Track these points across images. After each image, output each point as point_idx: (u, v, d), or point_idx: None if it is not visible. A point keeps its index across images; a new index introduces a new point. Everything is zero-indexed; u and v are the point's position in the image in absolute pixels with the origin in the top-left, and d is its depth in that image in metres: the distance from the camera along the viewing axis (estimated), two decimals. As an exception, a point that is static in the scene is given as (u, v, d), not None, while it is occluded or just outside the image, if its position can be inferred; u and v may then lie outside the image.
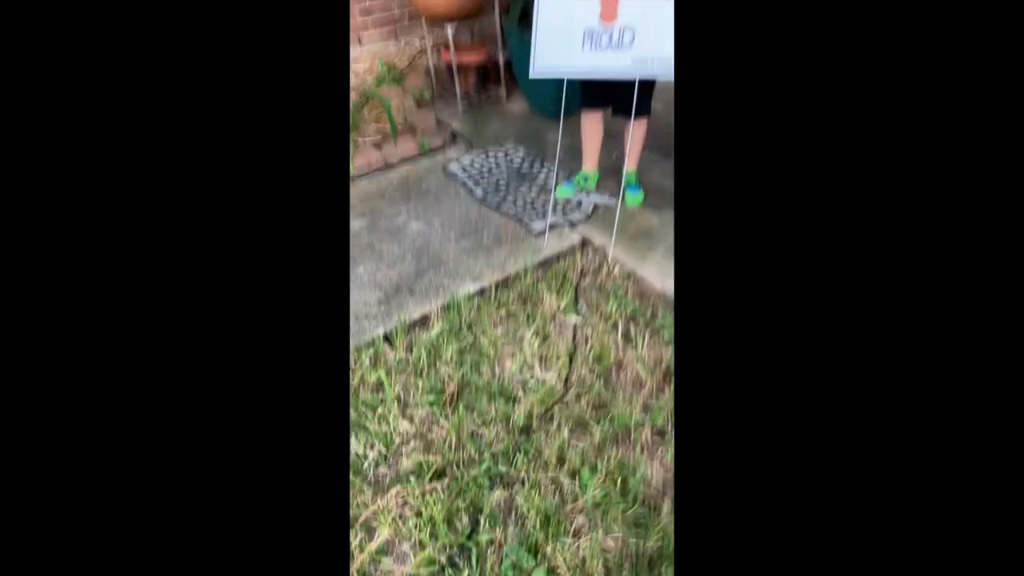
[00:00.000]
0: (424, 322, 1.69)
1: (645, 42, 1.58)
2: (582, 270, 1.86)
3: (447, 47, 2.69)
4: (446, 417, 1.37)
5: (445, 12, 2.53)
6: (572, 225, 2.04)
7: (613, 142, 2.22)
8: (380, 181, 2.33)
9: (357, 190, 2.27)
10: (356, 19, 3.28)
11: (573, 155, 2.25)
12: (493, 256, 1.91)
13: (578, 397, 1.41)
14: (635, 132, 2.01)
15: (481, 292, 1.78)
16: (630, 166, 2.12)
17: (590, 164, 2.17)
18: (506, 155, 2.47)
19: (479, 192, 2.22)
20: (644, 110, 1.88)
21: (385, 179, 2.34)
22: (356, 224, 2.08)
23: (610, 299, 1.71)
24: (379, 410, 1.39)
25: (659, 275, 1.80)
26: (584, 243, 1.98)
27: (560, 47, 1.67)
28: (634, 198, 2.11)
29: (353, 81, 3.01)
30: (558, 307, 1.70)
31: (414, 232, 2.03)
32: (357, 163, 2.34)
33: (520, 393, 1.42)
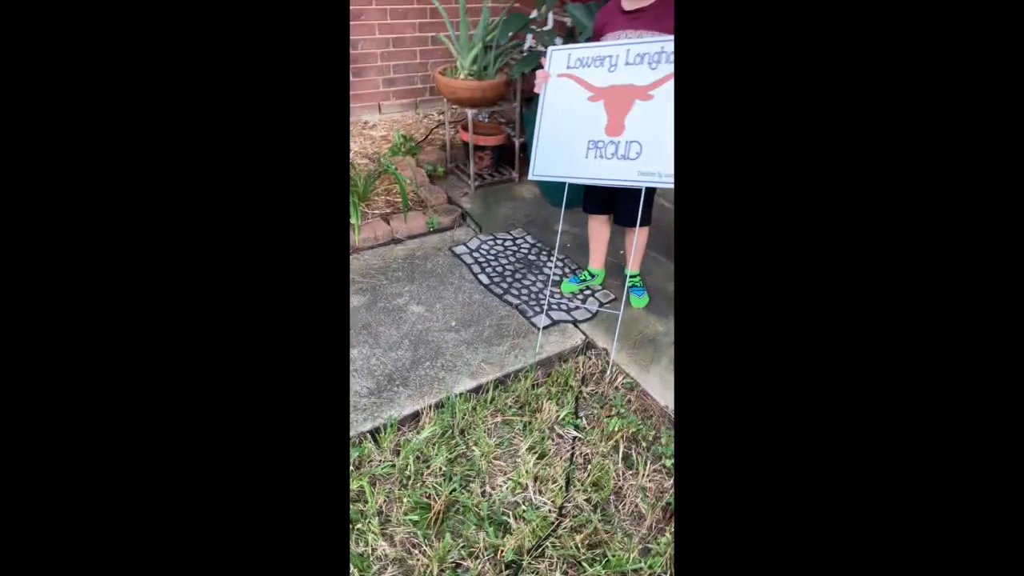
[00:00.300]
0: (415, 419, 1.61)
1: (652, 156, 1.55)
2: (584, 377, 1.80)
3: (465, 127, 2.73)
4: (429, 543, 1.26)
5: (468, 99, 2.58)
6: (576, 324, 1.99)
7: (622, 240, 2.22)
8: (385, 256, 2.29)
9: (361, 264, 2.23)
10: (378, 88, 3.36)
11: (582, 248, 2.24)
12: (493, 350, 1.84)
13: (572, 531, 1.31)
14: (632, 240, 2.00)
15: (478, 390, 1.70)
16: (633, 268, 2.10)
17: (596, 263, 2.15)
18: (514, 241, 2.45)
19: (484, 278, 2.19)
20: (645, 220, 1.86)
21: (390, 254, 2.31)
22: (356, 300, 2.02)
23: (612, 414, 1.64)
24: (359, 524, 1.29)
25: (662, 389, 1.74)
26: (587, 345, 1.93)
27: (563, 152, 1.66)
28: (638, 300, 2.08)
29: (369, 148, 3.04)
30: (557, 417, 1.63)
31: (414, 316, 1.98)
32: (363, 235, 2.31)
33: (511, 520, 1.33)
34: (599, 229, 2.07)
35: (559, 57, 1.64)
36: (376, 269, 2.20)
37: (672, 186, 1.53)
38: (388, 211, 2.49)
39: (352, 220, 2.28)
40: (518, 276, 2.23)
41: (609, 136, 1.57)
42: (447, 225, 2.51)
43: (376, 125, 3.33)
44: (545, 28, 2.48)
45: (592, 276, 2.17)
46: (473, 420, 1.59)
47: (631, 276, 2.11)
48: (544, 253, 2.38)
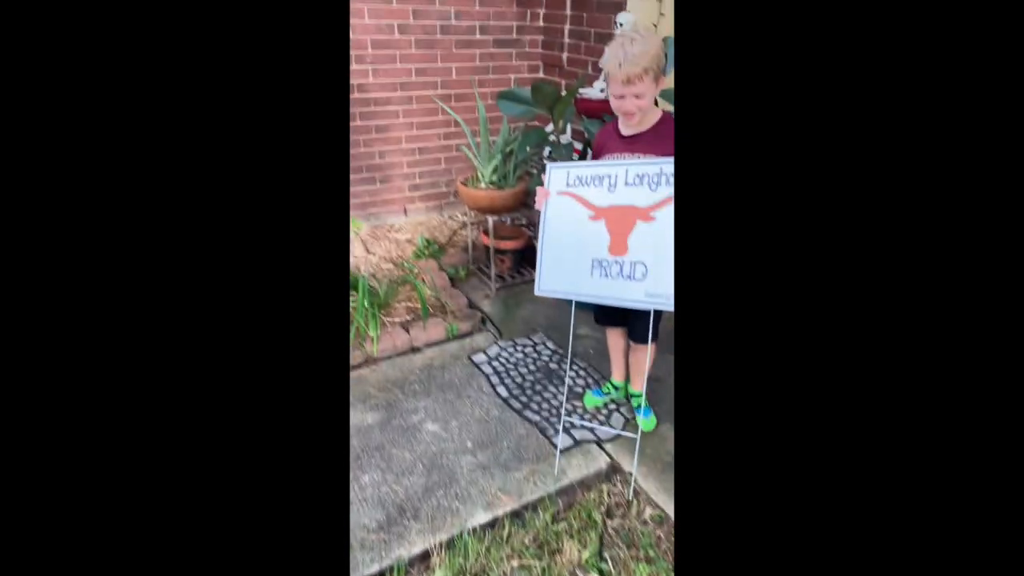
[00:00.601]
0: (425, 560, 1.48)
1: (658, 278, 1.48)
2: (608, 509, 1.66)
3: (486, 232, 2.77)
4: None
5: (489, 207, 2.63)
6: (600, 444, 1.88)
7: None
8: (403, 367, 2.25)
9: (378, 376, 2.19)
10: (404, 192, 3.48)
11: (606, 355, 2.16)
12: (510, 476, 1.73)
13: None
14: (639, 356, 1.91)
15: (493, 524, 1.58)
16: (636, 387, 1.98)
17: (618, 374, 2.05)
18: (534, 347, 2.39)
19: (503, 391, 2.11)
20: (653, 336, 1.77)
21: (408, 365, 2.27)
22: (370, 418, 1.96)
23: (640, 556, 1.49)
24: None
25: (696, 523, 1.58)
26: (612, 469, 1.80)
27: (568, 269, 1.61)
28: (647, 423, 1.93)
29: (393, 251, 3.10)
30: (579, 559, 1.48)
31: (429, 435, 1.90)
32: (382, 345, 2.29)
33: None
34: (617, 340, 2.00)
35: (558, 175, 1.63)
36: (393, 382, 2.16)
37: None
38: (408, 318, 2.49)
39: (371, 331, 2.27)
40: (538, 388, 2.14)
41: (613, 256, 1.53)
42: (466, 331, 2.48)
43: (401, 228, 3.42)
44: (563, 142, 2.55)
45: (616, 388, 2.06)
46: (487, 563, 1.46)
47: (634, 396, 2.00)
48: (566, 360, 2.31)
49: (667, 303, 1.46)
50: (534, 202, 1.69)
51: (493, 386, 2.14)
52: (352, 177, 3.24)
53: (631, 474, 1.75)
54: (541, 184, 1.66)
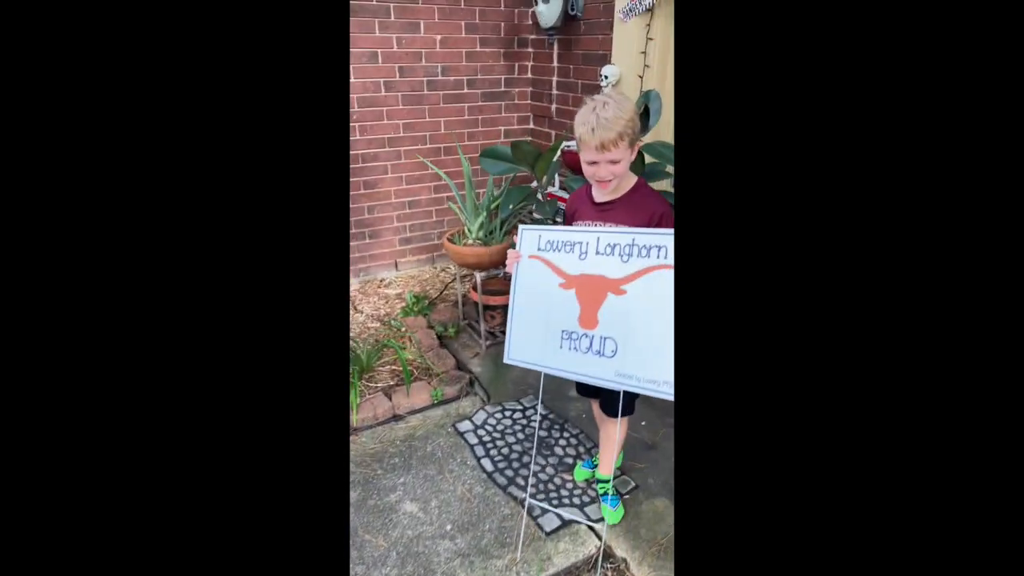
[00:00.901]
0: (393, 672, 1.34)
1: (629, 357, 1.34)
2: (598, 605, 1.51)
3: (475, 288, 2.69)
4: None
5: (476, 264, 2.56)
6: (591, 524, 1.73)
7: (637, 417, 2.00)
8: (383, 437, 2.14)
9: (356, 448, 2.07)
10: (395, 246, 3.43)
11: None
12: (491, 565, 1.59)
13: None
14: (607, 431, 1.73)
15: (470, 625, 1.43)
16: (604, 471, 1.78)
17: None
18: (524, 412, 2.27)
19: (488, 464, 1.98)
20: (626, 410, 1.63)
21: (389, 435, 2.15)
22: (344, 498, 1.83)
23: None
24: None
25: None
26: (604, 555, 1.65)
27: (537, 339, 1.50)
28: (612, 513, 1.72)
29: (381, 308, 3.02)
30: (563, 671, 1.33)
31: (406, 517, 1.76)
32: (363, 414, 2.18)
33: None
34: (603, 425, 1.83)
35: (530, 237, 1.53)
36: (372, 455, 2.04)
37: (658, 394, 1.30)
38: (392, 383, 2.38)
39: (351, 398, 2.16)
40: (526, 460, 2.01)
41: (583, 328, 1.41)
42: (452, 396, 2.37)
43: (392, 283, 3.35)
44: (548, 199, 2.49)
45: None
46: (460, 677, 1.31)
47: (600, 481, 1.81)
48: (557, 427, 2.18)
49: (639, 386, 1.33)
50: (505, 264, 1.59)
51: (478, 458, 2.01)
52: (341, 233, 3.20)
53: (625, 560, 1.60)
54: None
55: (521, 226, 1.56)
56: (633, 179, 1.48)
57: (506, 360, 1.56)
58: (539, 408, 2.24)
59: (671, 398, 1.26)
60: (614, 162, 1.37)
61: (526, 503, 1.77)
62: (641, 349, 1.32)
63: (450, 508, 1.80)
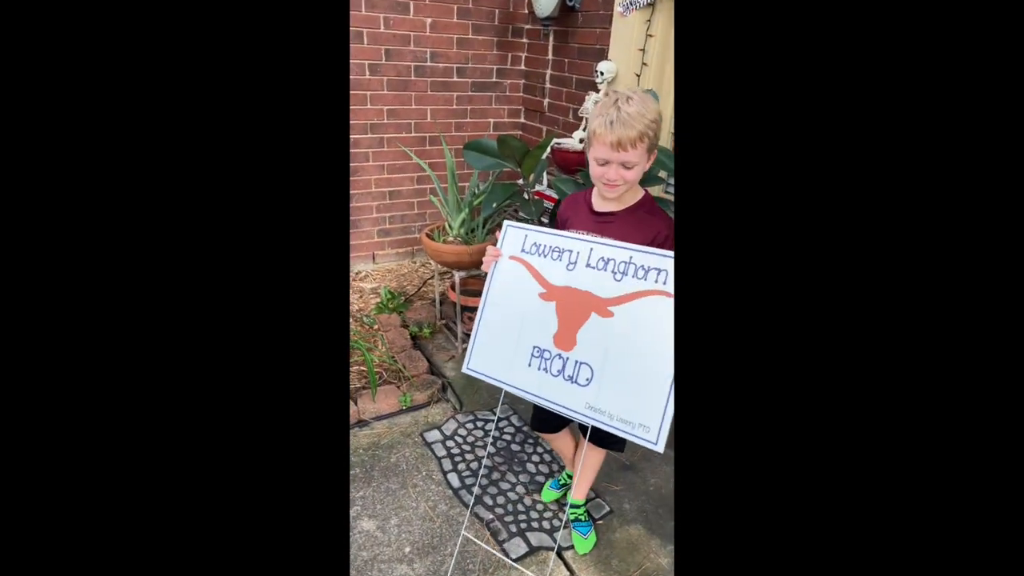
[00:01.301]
0: None
1: (604, 391, 1.18)
2: (562, 645, 1.40)
3: (454, 288, 2.56)
4: None
5: (455, 262, 2.42)
6: (560, 552, 1.62)
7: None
8: (345, 445, 2.00)
9: (315, 456, 1.93)
10: (373, 238, 3.28)
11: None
12: (451, 594, 1.47)
13: None
14: (591, 458, 1.59)
15: (423, 663, 1.32)
16: (577, 495, 1.66)
17: (572, 465, 1.76)
18: (497, 424, 2.15)
19: (455, 479, 1.86)
20: (618, 447, 1.53)
21: (352, 442, 2.02)
22: (297, 512, 1.70)
23: None
24: None
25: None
26: (571, 587, 1.54)
27: (504, 351, 1.33)
28: (582, 542, 1.62)
29: (356, 303, 2.87)
30: None
31: (363, 535, 1.64)
32: (325, 418, 2.04)
33: None
34: (562, 443, 1.66)
35: (514, 236, 1.36)
36: (331, 464, 1.90)
37: (632, 438, 1.14)
38: (359, 386, 2.25)
39: (311, 404, 2.02)
40: (495, 476, 1.89)
41: (557, 348, 1.25)
42: (422, 402, 2.24)
43: (368, 276, 3.21)
44: (534, 199, 2.36)
45: (571, 477, 1.78)
46: None
47: (573, 506, 1.67)
48: (531, 441, 2.06)
49: (610, 424, 1.17)
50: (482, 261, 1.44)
51: (444, 473, 1.89)
52: (316, 221, 3.04)
53: (593, 594, 1.49)
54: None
55: (507, 222, 1.40)
56: (640, 193, 1.33)
57: (464, 369, 1.39)
58: (497, 415, 2.12)
59: (649, 445, 1.12)
60: (627, 166, 1.21)
61: (491, 525, 1.66)
62: (620, 382, 1.17)
63: (411, 528, 1.67)
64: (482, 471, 1.90)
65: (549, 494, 1.79)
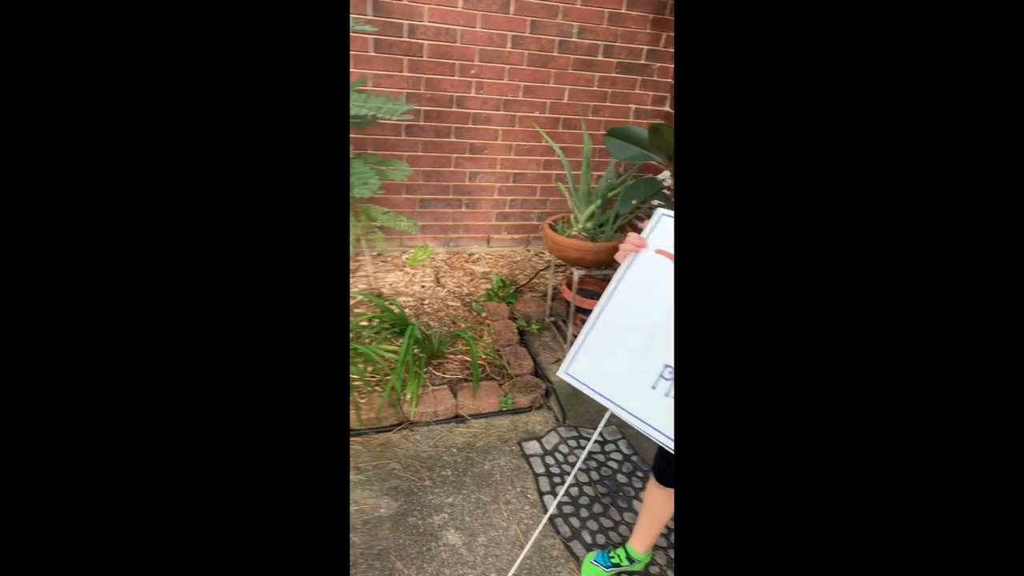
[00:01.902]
0: None
1: None
2: None
3: (569, 285, 2.34)
4: None
5: (577, 259, 2.20)
6: (665, 620, 1.38)
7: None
8: (440, 440, 1.88)
9: (408, 448, 1.83)
10: (491, 220, 3.15)
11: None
12: (536, 643, 1.29)
13: None
14: (664, 505, 1.34)
15: None
16: (642, 547, 1.44)
17: (645, 544, 1.45)
18: (603, 446, 1.92)
19: (552, 505, 1.67)
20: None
21: (447, 438, 1.89)
22: (384, 507, 1.60)
23: None
24: None
25: None
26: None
27: (620, 363, 1.08)
28: None
29: (465, 286, 2.76)
30: None
31: (447, 550, 1.50)
32: (422, 408, 1.93)
33: None
34: (662, 504, 1.36)
35: (668, 227, 1.10)
36: (423, 460, 1.79)
37: None
38: (460, 377, 2.12)
39: (410, 391, 1.92)
40: (597, 509, 1.68)
41: None
42: (524, 406, 2.07)
43: (481, 259, 3.08)
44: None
45: (631, 561, 1.47)
46: None
47: (632, 558, 1.45)
48: (639, 475, 1.82)
49: None
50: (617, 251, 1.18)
51: (540, 493, 1.71)
52: (438, 198, 2.96)
53: None
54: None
55: (661, 209, 1.13)
56: None
57: (562, 373, 1.15)
58: (593, 439, 1.89)
59: None
60: None
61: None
62: None
63: (499, 551, 1.51)
64: (582, 500, 1.70)
65: (591, 570, 1.47)
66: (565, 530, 1.60)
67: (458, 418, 1.99)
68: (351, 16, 2.03)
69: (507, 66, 2.77)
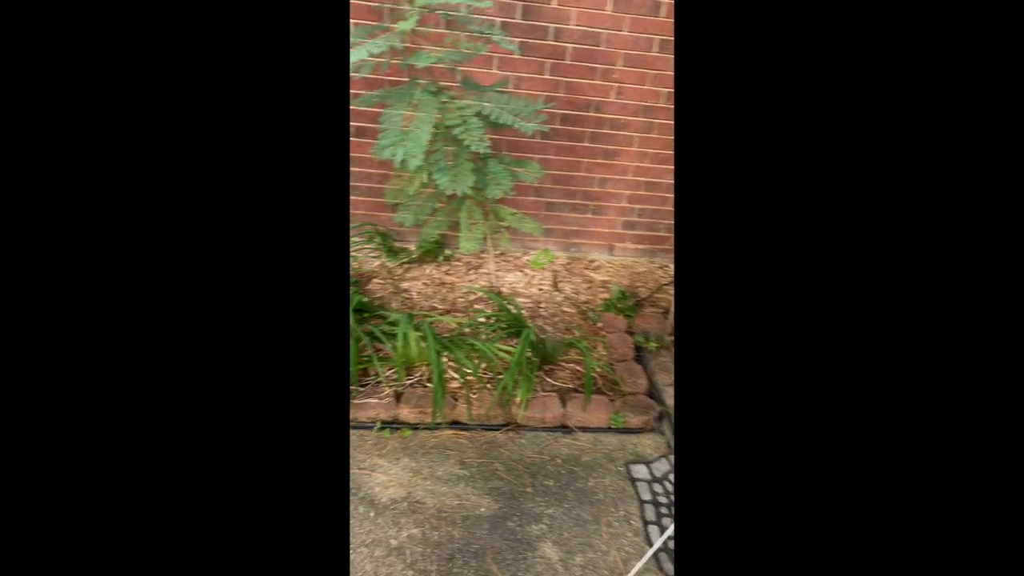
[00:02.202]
0: None
1: None
2: None
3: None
4: None
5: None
6: None
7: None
8: (545, 448, 1.86)
9: (513, 450, 1.83)
10: (616, 228, 3.06)
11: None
12: None
13: None
14: None
15: None
16: None
17: None
18: (718, 483, 1.78)
19: (656, 535, 1.57)
20: None
21: (552, 447, 1.86)
22: (485, 506, 1.61)
23: None
24: None
25: None
26: None
27: None
28: None
29: (583, 293, 2.72)
30: None
31: (542, 563, 1.47)
32: (530, 412, 1.92)
33: None
34: None
35: None
36: (527, 465, 1.78)
37: None
38: (571, 387, 2.08)
39: (520, 394, 1.91)
40: (706, 551, 1.55)
41: None
42: (635, 426, 1.97)
43: (601, 267, 3.01)
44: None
45: None
46: None
47: None
48: (757, 521, 1.65)
49: None
50: None
51: (645, 523, 1.61)
52: (565, 202, 2.93)
53: None
54: None
55: None
56: None
57: None
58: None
59: None
60: None
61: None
62: None
63: (596, 574, 1.45)
64: (691, 538, 1.58)
65: None
66: (670, 568, 1.49)
67: (565, 428, 1.95)
68: (493, 26, 2.06)
69: (651, 71, 2.67)
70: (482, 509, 1.60)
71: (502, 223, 2.44)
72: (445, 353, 1.98)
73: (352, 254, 2.64)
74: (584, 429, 1.95)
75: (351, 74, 2.02)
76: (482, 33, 1.99)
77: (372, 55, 1.69)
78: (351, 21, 2.29)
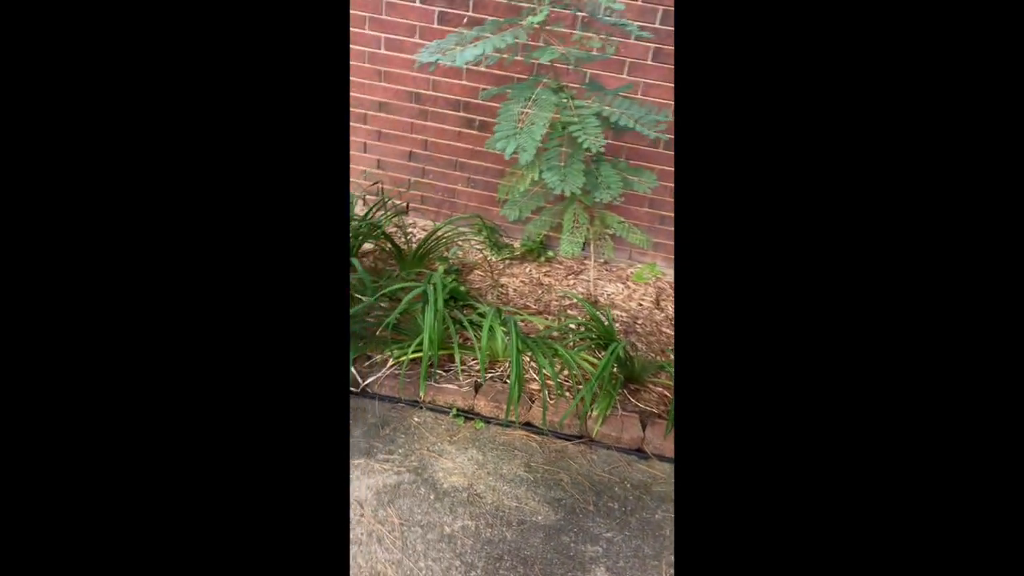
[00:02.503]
0: None
1: None
2: None
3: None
4: None
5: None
6: None
7: None
8: (616, 470, 1.76)
9: (582, 464, 1.76)
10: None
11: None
12: None
13: None
14: None
15: None
16: None
17: None
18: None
19: (724, 589, 1.42)
20: None
21: (624, 470, 1.76)
22: (543, 515, 1.56)
23: None
24: None
25: None
26: None
27: None
28: None
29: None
30: None
31: (592, 587, 1.39)
32: (606, 428, 1.83)
33: None
34: None
35: None
36: (594, 483, 1.69)
37: None
38: (655, 412, 1.95)
39: (596, 409, 1.83)
40: (780, 621, 1.37)
41: None
42: (720, 467, 1.80)
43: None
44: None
45: None
46: None
47: None
48: None
49: None
50: None
51: (713, 572, 1.47)
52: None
53: None
54: None
55: None
56: None
57: None
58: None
59: None
60: None
61: None
62: None
63: (647, 615, 1.34)
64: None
65: None
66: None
67: (641, 453, 1.84)
68: (632, 23, 1.99)
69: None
70: (539, 517, 1.55)
71: (608, 230, 2.36)
72: (527, 353, 1.96)
73: (458, 244, 2.70)
74: (661, 458, 1.82)
75: (472, 67, 2.04)
76: (615, 25, 1.93)
77: (498, 49, 1.71)
78: (482, 16, 2.34)
